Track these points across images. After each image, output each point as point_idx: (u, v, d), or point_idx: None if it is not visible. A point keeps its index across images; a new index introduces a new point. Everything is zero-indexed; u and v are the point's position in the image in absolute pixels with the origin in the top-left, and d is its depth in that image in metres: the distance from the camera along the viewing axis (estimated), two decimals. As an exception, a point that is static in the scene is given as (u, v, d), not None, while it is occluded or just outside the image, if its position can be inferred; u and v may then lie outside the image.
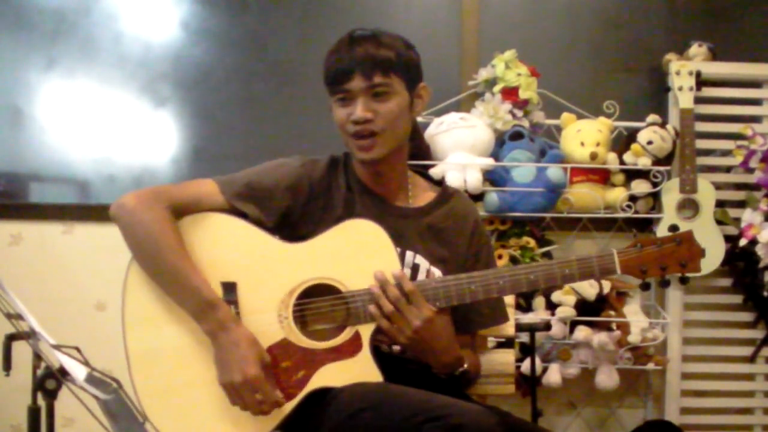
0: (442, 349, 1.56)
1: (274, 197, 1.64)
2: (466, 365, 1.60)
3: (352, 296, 1.55)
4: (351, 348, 1.54)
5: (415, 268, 1.67)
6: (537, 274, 1.54)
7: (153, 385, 1.55)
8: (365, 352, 1.53)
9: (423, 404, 1.35)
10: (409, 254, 1.67)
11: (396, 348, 1.65)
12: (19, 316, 1.43)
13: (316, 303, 1.58)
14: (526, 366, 2.42)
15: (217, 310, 1.52)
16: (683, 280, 1.58)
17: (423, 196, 1.76)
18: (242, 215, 1.62)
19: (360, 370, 1.52)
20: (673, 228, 1.57)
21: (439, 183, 1.83)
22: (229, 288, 1.56)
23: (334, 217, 1.66)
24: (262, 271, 1.58)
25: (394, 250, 1.57)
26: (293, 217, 1.66)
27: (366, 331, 1.54)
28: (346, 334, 1.54)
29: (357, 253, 1.57)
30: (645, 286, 1.61)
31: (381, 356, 1.61)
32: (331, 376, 1.52)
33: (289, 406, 1.52)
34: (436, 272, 1.67)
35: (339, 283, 1.57)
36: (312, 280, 1.57)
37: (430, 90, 1.72)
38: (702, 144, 2.74)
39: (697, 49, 2.75)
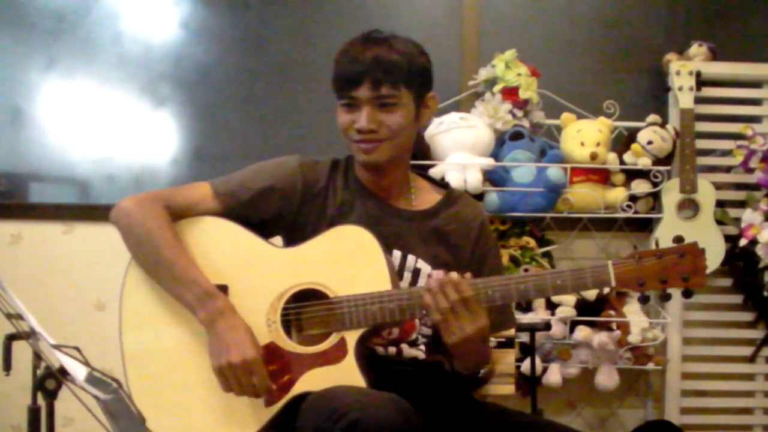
0: (481, 352, 1.57)
1: (265, 198, 1.66)
2: (490, 364, 1.61)
3: (339, 302, 1.54)
4: (336, 354, 1.53)
5: (416, 273, 1.66)
6: (527, 285, 1.51)
7: (147, 386, 1.56)
8: (350, 359, 1.52)
9: (338, 403, 1.34)
10: (410, 258, 1.66)
11: (391, 350, 1.65)
12: (19, 316, 1.43)
13: (304, 308, 1.57)
14: (526, 366, 2.42)
15: (216, 299, 1.53)
16: (686, 294, 1.50)
17: (427, 198, 1.75)
18: (234, 216, 1.63)
19: (344, 376, 1.51)
20: (678, 239, 1.50)
21: (444, 186, 1.82)
22: (220, 291, 1.57)
23: (329, 221, 1.66)
24: (253, 275, 1.59)
25: (383, 258, 1.56)
26: (287, 218, 1.67)
27: (352, 337, 1.53)
28: (332, 340, 1.54)
29: (346, 259, 1.57)
30: (644, 299, 1.52)
31: (376, 359, 1.61)
32: (315, 381, 1.51)
33: (273, 410, 1.52)
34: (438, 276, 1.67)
35: (327, 289, 1.56)
36: (301, 284, 1.57)
37: (437, 99, 1.72)
38: (702, 144, 2.73)
39: (697, 49, 2.75)
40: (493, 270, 1.73)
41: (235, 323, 1.51)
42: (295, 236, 1.66)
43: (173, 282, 1.57)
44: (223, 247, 1.61)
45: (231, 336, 1.49)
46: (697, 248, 1.49)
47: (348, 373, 1.51)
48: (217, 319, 1.51)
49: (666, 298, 1.52)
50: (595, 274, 1.49)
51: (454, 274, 1.50)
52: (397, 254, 1.65)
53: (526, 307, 2.60)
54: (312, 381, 1.52)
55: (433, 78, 1.70)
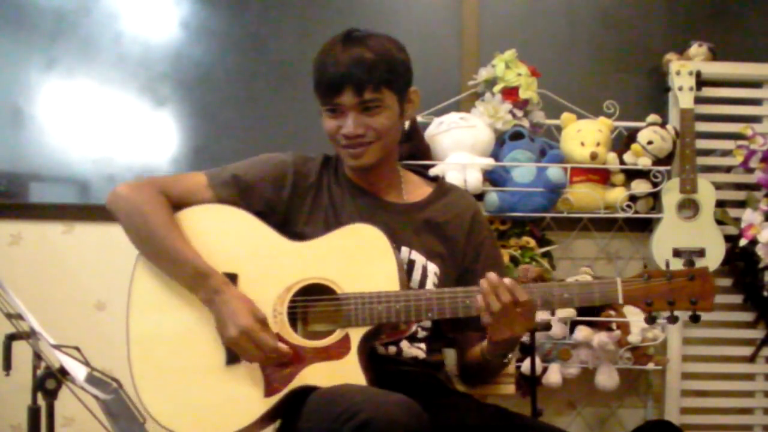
0: (516, 344, 1.61)
1: (257, 189, 1.68)
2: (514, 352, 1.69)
3: (346, 298, 1.55)
4: (339, 350, 1.53)
5: (410, 264, 1.67)
6: (534, 296, 1.51)
7: (150, 370, 1.58)
8: (352, 356, 1.52)
9: (347, 403, 1.34)
10: (404, 250, 1.67)
11: (392, 349, 1.65)
12: (19, 316, 1.43)
13: (311, 302, 1.59)
14: (526, 366, 2.42)
15: (210, 278, 1.55)
16: (694, 319, 1.48)
17: (418, 191, 1.77)
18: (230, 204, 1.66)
19: (345, 372, 1.51)
20: (689, 263, 1.50)
21: (435, 179, 1.83)
22: (231, 279, 1.59)
23: (321, 216, 1.68)
24: (264, 266, 1.60)
25: (393, 258, 1.57)
26: (278, 210, 1.68)
27: (356, 334, 1.54)
28: (336, 336, 1.54)
29: (357, 257, 1.58)
30: (650, 320, 1.51)
31: (377, 357, 1.61)
32: (316, 375, 1.52)
33: (272, 401, 1.53)
34: (433, 268, 1.67)
35: (335, 285, 1.57)
36: (310, 279, 1.59)
37: (420, 93, 1.72)
38: (702, 144, 2.73)
39: (697, 49, 2.75)
40: (491, 259, 1.74)
41: (227, 297, 1.53)
42: (287, 230, 1.66)
43: (170, 264, 1.59)
44: (236, 236, 1.64)
45: (225, 310, 1.52)
46: (707, 272, 1.49)
47: (349, 370, 1.51)
48: (213, 298, 1.54)
49: (673, 320, 1.51)
50: (603, 290, 1.50)
51: (507, 280, 1.48)
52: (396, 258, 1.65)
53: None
54: (313, 375, 1.52)
55: (412, 73, 1.69)
